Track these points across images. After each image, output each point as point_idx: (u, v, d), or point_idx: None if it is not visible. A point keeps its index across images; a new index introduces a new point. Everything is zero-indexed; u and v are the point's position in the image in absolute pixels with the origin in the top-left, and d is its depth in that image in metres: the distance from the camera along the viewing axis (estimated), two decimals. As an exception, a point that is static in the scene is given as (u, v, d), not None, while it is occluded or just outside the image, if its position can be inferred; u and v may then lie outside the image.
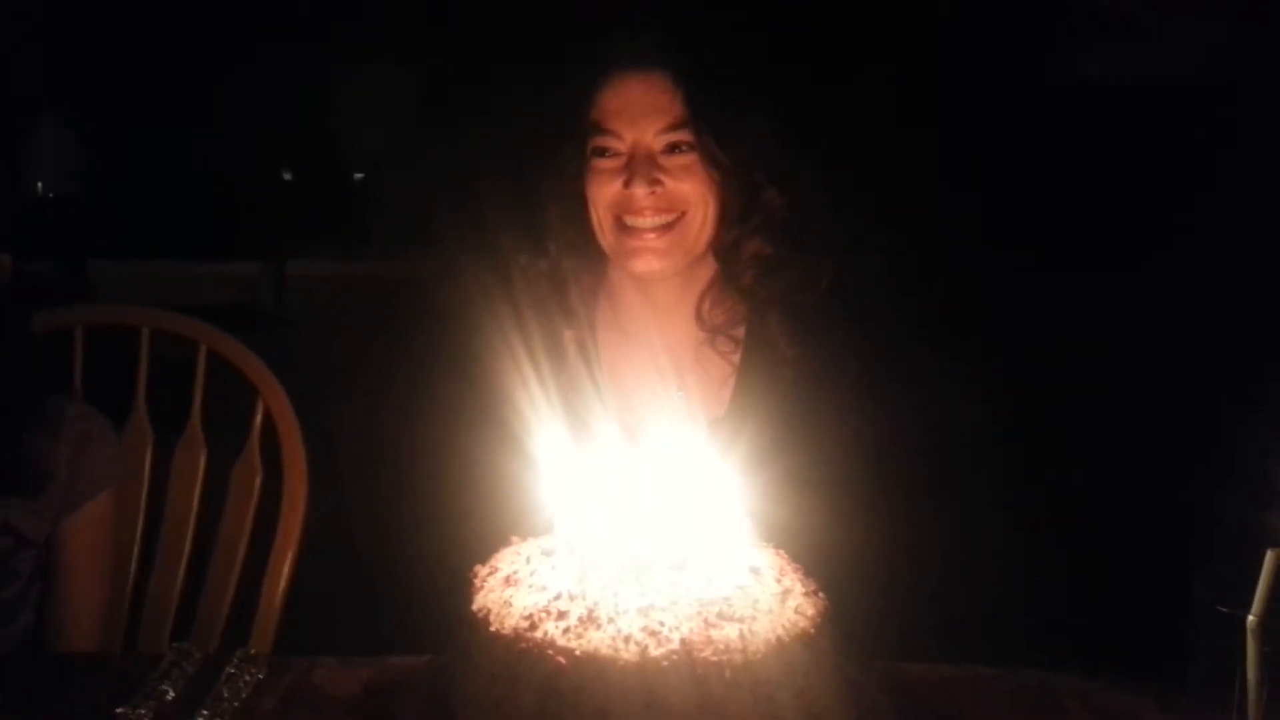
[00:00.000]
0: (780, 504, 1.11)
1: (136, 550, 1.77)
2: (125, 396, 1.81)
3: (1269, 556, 0.93)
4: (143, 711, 1.13)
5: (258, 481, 1.78)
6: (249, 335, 1.87)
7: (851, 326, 1.62)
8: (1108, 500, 2.65)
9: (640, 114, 1.56)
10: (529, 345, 1.53)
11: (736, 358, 1.64)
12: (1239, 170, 3.19)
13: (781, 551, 1.07)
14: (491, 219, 1.65)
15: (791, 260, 1.61)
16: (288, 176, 4.79)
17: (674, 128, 1.56)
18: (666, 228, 1.56)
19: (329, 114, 4.74)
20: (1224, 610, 0.95)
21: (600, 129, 1.57)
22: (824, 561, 1.06)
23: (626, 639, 0.89)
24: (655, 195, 1.55)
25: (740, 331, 1.65)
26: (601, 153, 1.58)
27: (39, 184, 4.23)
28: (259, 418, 1.78)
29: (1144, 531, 2.36)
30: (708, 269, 1.65)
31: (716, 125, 1.55)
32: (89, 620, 1.59)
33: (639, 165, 1.55)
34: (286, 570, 1.73)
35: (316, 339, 3.27)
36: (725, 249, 1.62)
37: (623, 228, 1.58)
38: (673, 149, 1.56)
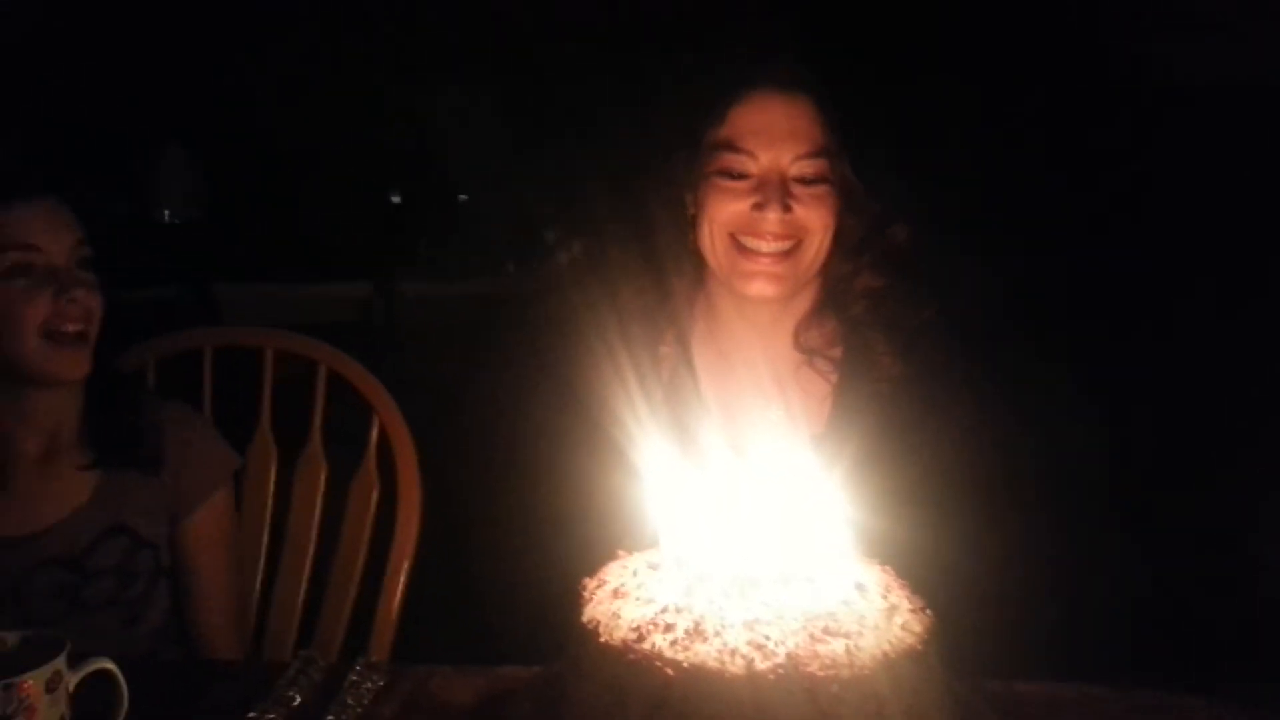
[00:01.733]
0: (884, 518, 1.11)
1: (262, 563, 1.85)
2: (248, 415, 1.89)
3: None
4: (271, 716, 1.19)
5: (374, 495, 1.84)
6: (363, 353, 1.94)
7: (955, 341, 1.60)
8: (1220, 513, 2.56)
9: (780, 137, 1.53)
10: (633, 359, 1.55)
11: (835, 377, 1.63)
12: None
13: (887, 568, 1.07)
14: (595, 232, 1.67)
15: (901, 291, 1.59)
16: (396, 199, 4.93)
17: (812, 155, 1.53)
18: (785, 255, 1.55)
19: (433, 136, 4.86)
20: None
21: (735, 147, 1.54)
22: (930, 576, 1.06)
23: (733, 652, 0.90)
24: (784, 222, 1.53)
25: (837, 352, 1.64)
26: (729, 172, 1.55)
27: (165, 212, 4.44)
28: (375, 434, 1.85)
29: (1260, 544, 2.27)
30: (809, 293, 1.64)
31: (855, 156, 1.54)
32: (222, 618, 1.66)
33: (773, 189, 1.52)
34: (403, 580, 1.78)
35: (428, 356, 3.36)
36: (837, 280, 1.61)
37: (740, 249, 1.56)
38: (806, 179, 1.53)
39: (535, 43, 4.31)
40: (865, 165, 1.56)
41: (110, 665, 1.13)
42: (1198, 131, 3.26)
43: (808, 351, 1.64)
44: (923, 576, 1.05)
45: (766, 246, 1.54)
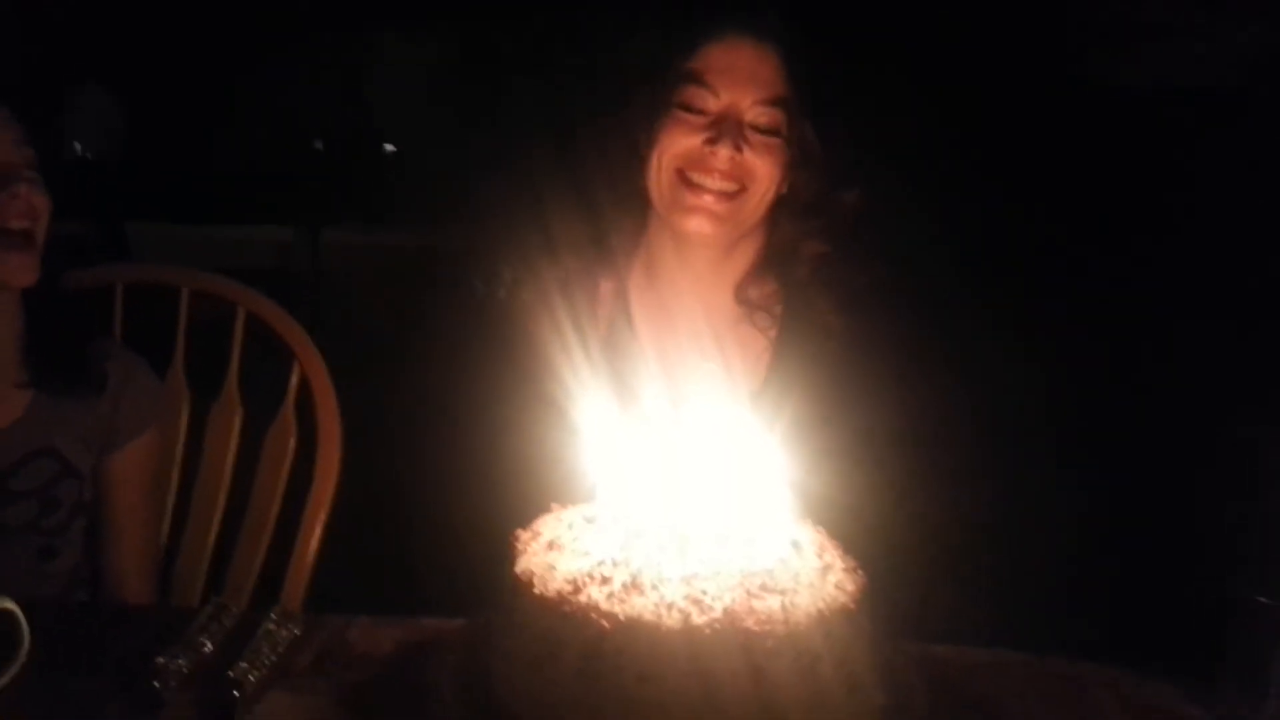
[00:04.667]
0: (821, 477, 1.11)
1: (170, 505, 1.80)
2: (162, 356, 1.83)
3: (1312, 549, 0.93)
4: (181, 662, 1.15)
5: (292, 443, 1.80)
6: (283, 300, 1.89)
7: (899, 299, 1.62)
8: (1150, 484, 2.64)
9: (744, 79, 1.55)
10: (570, 310, 1.54)
11: (774, 333, 1.64)
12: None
13: (820, 529, 1.07)
14: (537, 182, 1.65)
15: (845, 255, 1.61)
16: (319, 145, 4.81)
17: (771, 102, 1.55)
18: (728, 195, 1.56)
19: (360, 84, 4.75)
20: (1263, 601, 0.95)
21: (699, 80, 1.55)
22: (862, 535, 1.07)
23: (670, 606, 0.89)
24: (734, 161, 1.54)
25: (777, 309, 1.65)
26: (689, 105, 1.56)
27: (77, 145, 4.27)
28: (294, 380, 1.80)
29: (1185, 524, 2.36)
30: (750, 247, 1.65)
31: (814, 115, 1.56)
32: (136, 564, 1.61)
33: (728, 127, 1.54)
34: (318, 531, 1.74)
35: (351, 305, 3.29)
36: (783, 243, 1.63)
37: (685, 181, 1.56)
38: (760, 127, 1.56)
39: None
40: (823, 127, 1.57)
41: (11, 605, 1.09)
42: (1139, 127, 3.37)
43: (748, 305, 1.65)
44: (855, 535, 1.06)
45: (713, 184, 1.55)
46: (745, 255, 1.65)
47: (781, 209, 1.60)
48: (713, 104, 1.55)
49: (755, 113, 1.55)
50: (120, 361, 1.62)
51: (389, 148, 4.92)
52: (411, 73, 4.67)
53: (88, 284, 1.85)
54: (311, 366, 1.80)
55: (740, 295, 1.65)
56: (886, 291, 1.61)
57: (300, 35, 4.51)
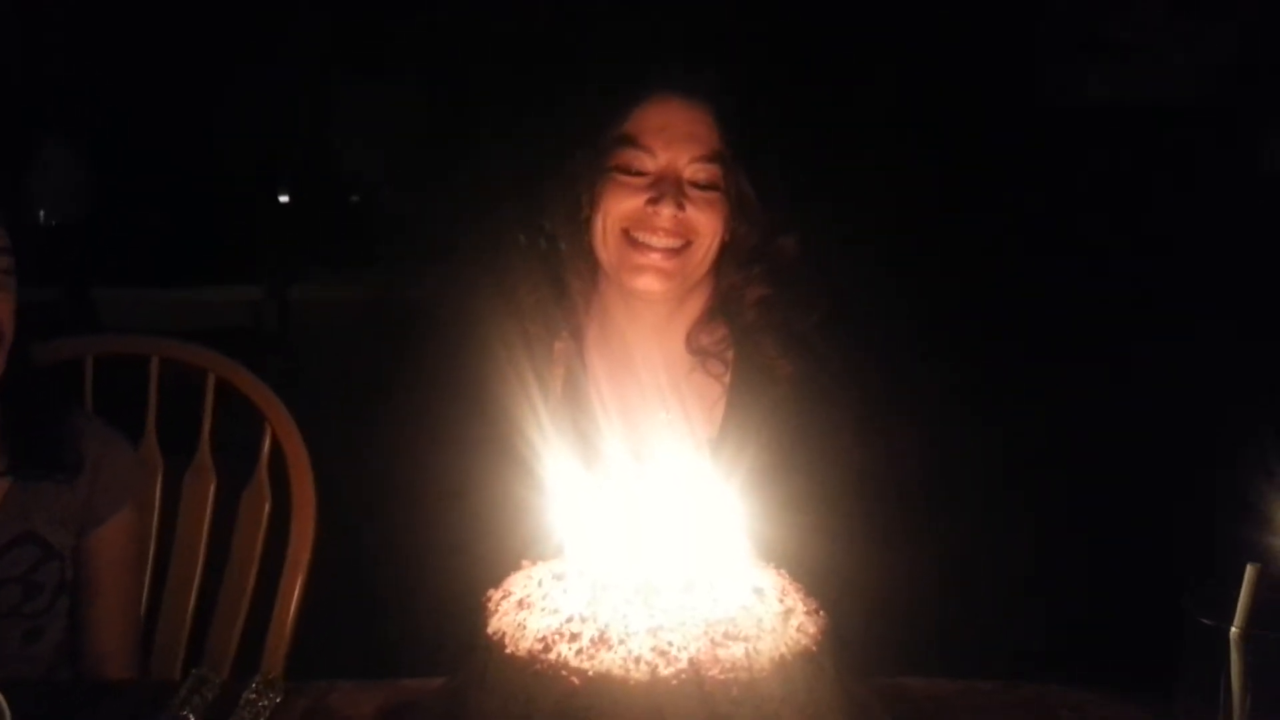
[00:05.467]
0: (777, 524, 1.14)
1: (148, 577, 1.79)
2: (134, 425, 1.84)
3: (1249, 571, 0.96)
4: (165, 736, 1.16)
5: (267, 508, 1.81)
6: (254, 359, 1.90)
7: (849, 345, 1.66)
8: (1103, 517, 2.69)
9: (679, 138, 1.58)
10: (532, 363, 1.56)
11: (727, 379, 1.67)
12: (1231, 187, 3.26)
13: (783, 572, 1.10)
14: (495, 236, 1.68)
15: (791, 296, 1.64)
16: (284, 199, 4.81)
17: (708, 159, 1.59)
18: (674, 252, 1.60)
19: (325, 135, 4.77)
20: (1208, 623, 0.99)
21: (635, 144, 1.59)
22: (821, 581, 1.10)
23: (637, 659, 0.92)
24: (676, 219, 1.58)
25: (729, 355, 1.68)
26: (627, 168, 1.59)
27: (40, 212, 4.25)
28: (267, 444, 1.81)
29: (1138, 549, 2.40)
30: (699, 296, 1.68)
31: (749, 166, 1.59)
32: (120, 640, 1.61)
33: (668, 186, 1.57)
34: (297, 595, 1.75)
35: (322, 361, 3.29)
36: (729, 289, 1.66)
37: (631, 242, 1.60)
38: (699, 183, 1.59)
39: (436, 41, 4.26)
40: (759, 176, 1.61)
41: (-10, 689, 1.09)
42: (1096, 145, 3.44)
43: (700, 353, 1.68)
44: (813, 580, 1.08)
45: (658, 242, 1.59)
46: (695, 304, 1.69)
47: (726, 257, 1.64)
48: (651, 164, 1.59)
49: (693, 170, 1.59)
50: (97, 439, 1.62)
51: (354, 198, 4.94)
52: (376, 120, 4.70)
53: (57, 357, 1.87)
54: (283, 430, 1.81)
55: (692, 344, 1.68)
56: (832, 334, 1.65)
57: (263, 86, 4.54)
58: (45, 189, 4.31)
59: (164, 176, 4.44)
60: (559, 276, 1.67)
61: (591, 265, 1.66)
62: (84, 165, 4.42)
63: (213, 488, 1.83)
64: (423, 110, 4.46)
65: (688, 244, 1.60)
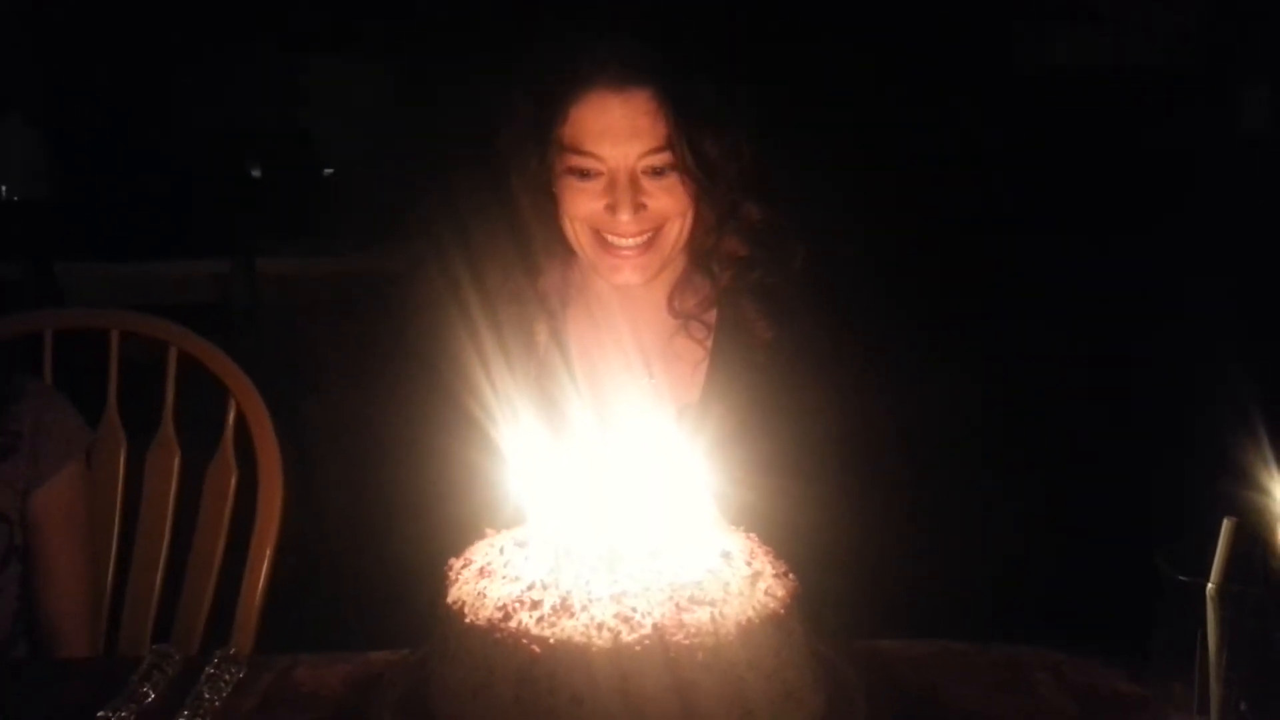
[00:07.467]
0: (750, 488, 1.12)
1: (114, 554, 1.77)
2: (96, 400, 1.80)
3: (1225, 525, 0.95)
4: (124, 714, 1.14)
5: (233, 481, 1.78)
6: (222, 333, 1.87)
7: (826, 309, 1.63)
8: (1078, 477, 2.69)
9: (623, 137, 1.52)
10: (500, 336, 1.54)
11: (709, 343, 1.65)
12: (1200, 152, 3.25)
13: (752, 535, 1.08)
14: (463, 211, 1.64)
15: (766, 255, 1.61)
16: (256, 174, 4.74)
17: (657, 150, 1.53)
18: (645, 245, 1.56)
19: (298, 110, 4.70)
20: (1184, 579, 0.97)
21: (579, 150, 1.53)
22: (794, 544, 1.08)
23: (599, 626, 0.90)
24: (638, 219, 1.54)
25: (712, 316, 1.66)
26: (581, 173, 1.54)
27: (2, 186, 4.18)
28: (232, 417, 1.78)
29: (1114, 507, 2.40)
30: (679, 262, 1.66)
31: (700, 144, 1.53)
32: (73, 604, 1.59)
33: (623, 190, 1.52)
34: (265, 569, 1.73)
35: (290, 335, 3.26)
36: (702, 253, 1.63)
37: (601, 242, 1.57)
38: (656, 170, 1.54)
39: (407, 16, 4.21)
40: (720, 152, 1.55)
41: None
42: (1066, 109, 3.43)
43: (681, 317, 1.65)
44: (787, 543, 1.07)
45: (626, 242, 1.56)
46: (674, 270, 1.66)
47: (698, 221, 1.61)
48: (600, 166, 1.53)
49: (645, 164, 1.53)
50: (36, 399, 1.60)
51: (327, 171, 4.87)
52: (348, 95, 4.64)
53: (15, 331, 1.83)
54: (248, 402, 1.78)
55: (674, 307, 1.66)
56: (813, 299, 1.62)
57: (234, 58, 4.47)
58: (7, 165, 4.23)
59: (131, 151, 4.37)
60: (531, 257, 1.63)
61: (566, 246, 1.63)
62: (46, 141, 4.35)
63: (177, 461, 1.81)
64: (388, 88, 4.41)
65: (658, 230, 1.57)
